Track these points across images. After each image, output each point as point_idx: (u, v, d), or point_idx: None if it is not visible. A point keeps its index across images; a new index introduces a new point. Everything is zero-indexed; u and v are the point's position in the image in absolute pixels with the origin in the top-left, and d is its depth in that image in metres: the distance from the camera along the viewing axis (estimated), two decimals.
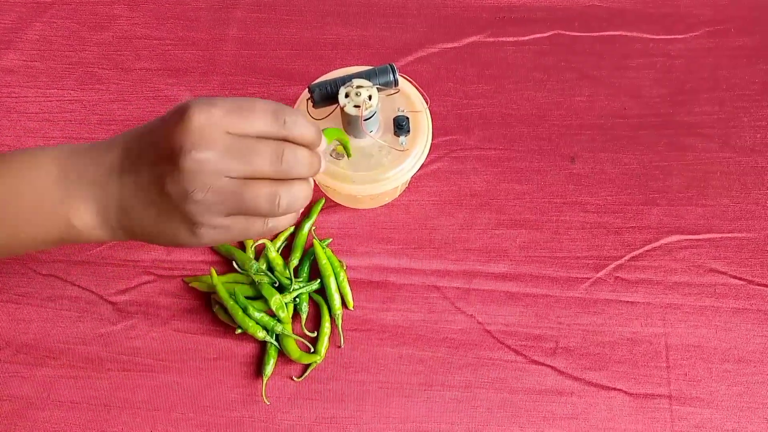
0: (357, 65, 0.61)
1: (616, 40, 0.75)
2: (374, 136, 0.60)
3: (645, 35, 0.75)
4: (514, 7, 0.77)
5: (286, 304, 0.60)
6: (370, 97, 0.57)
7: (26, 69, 0.74)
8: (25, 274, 0.64)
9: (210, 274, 0.60)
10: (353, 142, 0.60)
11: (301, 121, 0.46)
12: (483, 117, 0.71)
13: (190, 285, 0.63)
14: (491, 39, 0.75)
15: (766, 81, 0.72)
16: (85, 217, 0.48)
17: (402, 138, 0.61)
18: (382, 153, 0.60)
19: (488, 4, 0.78)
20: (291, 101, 0.63)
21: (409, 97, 0.62)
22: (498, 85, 0.73)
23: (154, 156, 0.45)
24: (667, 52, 0.74)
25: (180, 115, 0.43)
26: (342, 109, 0.57)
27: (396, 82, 0.59)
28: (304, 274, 0.63)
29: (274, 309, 0.59)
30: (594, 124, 0.70)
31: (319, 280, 0.62)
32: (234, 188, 0.44)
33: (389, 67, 0.58)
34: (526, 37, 0.75)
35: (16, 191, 0.49)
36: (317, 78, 0.61)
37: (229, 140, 0.43)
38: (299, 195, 0.46)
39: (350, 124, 0.59)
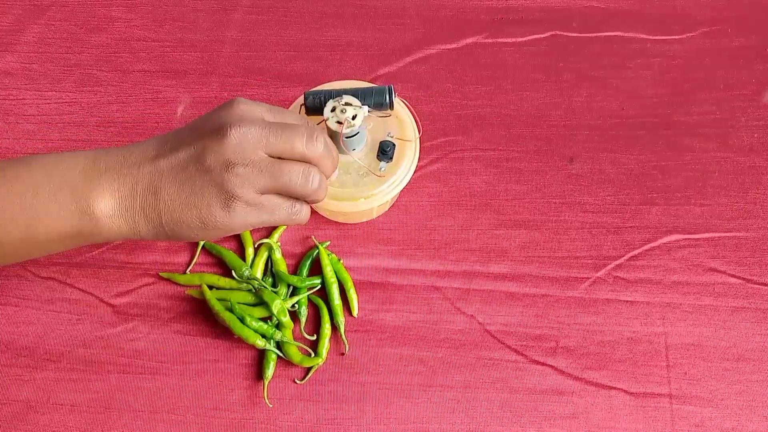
0: (356, 66, 0.61)
1: (614, 40, 0.75)
2: (354, 155, 0.59)
3: (642, 36, 0.75)
4: (511, 9, 0.77)
5: (288, 309, 0.60)
6: (354, 117, 0.56)
7: (24, 71, 0.74)
8: (24, 277, 0.63)
9: (202, 290, 0.60)
10: (339, 157, 0.60)
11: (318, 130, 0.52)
12: (481, 118, 0.71)
13: (186, 293, 0.62)
14: (489, 40, 0.75)
15: (764, 81, 0.73)
16: (107, 202, 0.49)
17: (382, 164, 0.60)
18: (360, 173, 0.60)
19: (486, 5, 0.78)
20: (289, 103, 0.63)
21: (403, 123, 0.61)
22: (496, 86, 0.73)
23: (197, 135, 0.49)
24: (664, 53, 0.74)
25: (228, 104, 0.50)
26: (326, 122, 0.57)
27: (391, 105, 0.58)
28: (305, 274, 0.63)
29: (275, 313, 0.59)
30: (592, 125, 0.71)
31: (319, 278, 0.62)
32: (272, 163, 0.49)
33: (387, 89, 0.57)
34: (524, 38, 0.75)
35: (35, 183, 0.49)
36: (317, 80, 0.61)
37: (268, 123, 0.49)
38: (324, 178, 0.52)
39: (333, 139, 0.58)
